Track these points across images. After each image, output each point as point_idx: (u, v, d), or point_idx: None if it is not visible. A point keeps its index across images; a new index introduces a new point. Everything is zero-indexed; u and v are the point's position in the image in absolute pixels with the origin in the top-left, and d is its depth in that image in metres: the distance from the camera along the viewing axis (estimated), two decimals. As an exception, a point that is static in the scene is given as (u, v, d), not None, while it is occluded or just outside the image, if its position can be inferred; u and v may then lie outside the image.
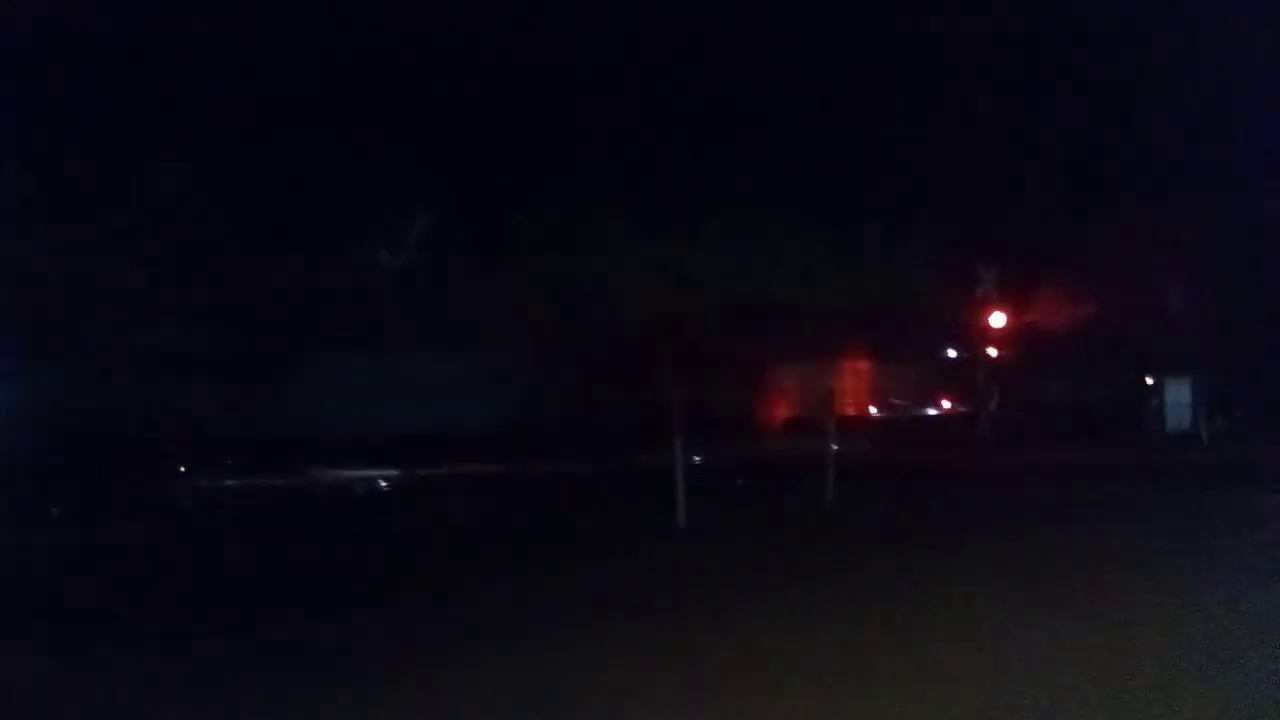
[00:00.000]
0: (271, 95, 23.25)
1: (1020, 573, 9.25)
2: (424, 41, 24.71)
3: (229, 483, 20.15)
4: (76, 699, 6.43)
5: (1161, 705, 5.33)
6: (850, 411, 32.07)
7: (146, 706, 6.20)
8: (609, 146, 27.53)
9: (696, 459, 19.44)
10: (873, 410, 35.54)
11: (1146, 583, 8.47)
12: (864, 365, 35.12)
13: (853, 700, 5.63)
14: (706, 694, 5.84)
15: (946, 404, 36.97)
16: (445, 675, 6.50)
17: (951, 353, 36.68)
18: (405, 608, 8.86)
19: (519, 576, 10.14)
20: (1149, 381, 30.86)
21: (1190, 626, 6.93)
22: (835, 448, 16.05)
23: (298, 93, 23.51)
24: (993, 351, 32.67)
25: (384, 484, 20.98)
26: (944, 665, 6.19)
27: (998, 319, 31.99)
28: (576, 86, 26.54)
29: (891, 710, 5.44)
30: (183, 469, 20.80)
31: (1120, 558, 9.82)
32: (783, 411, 31.27)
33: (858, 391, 34.85)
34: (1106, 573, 8.98)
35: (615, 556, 11.33)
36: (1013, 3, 28.78)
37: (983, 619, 7.38)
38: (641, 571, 10.38)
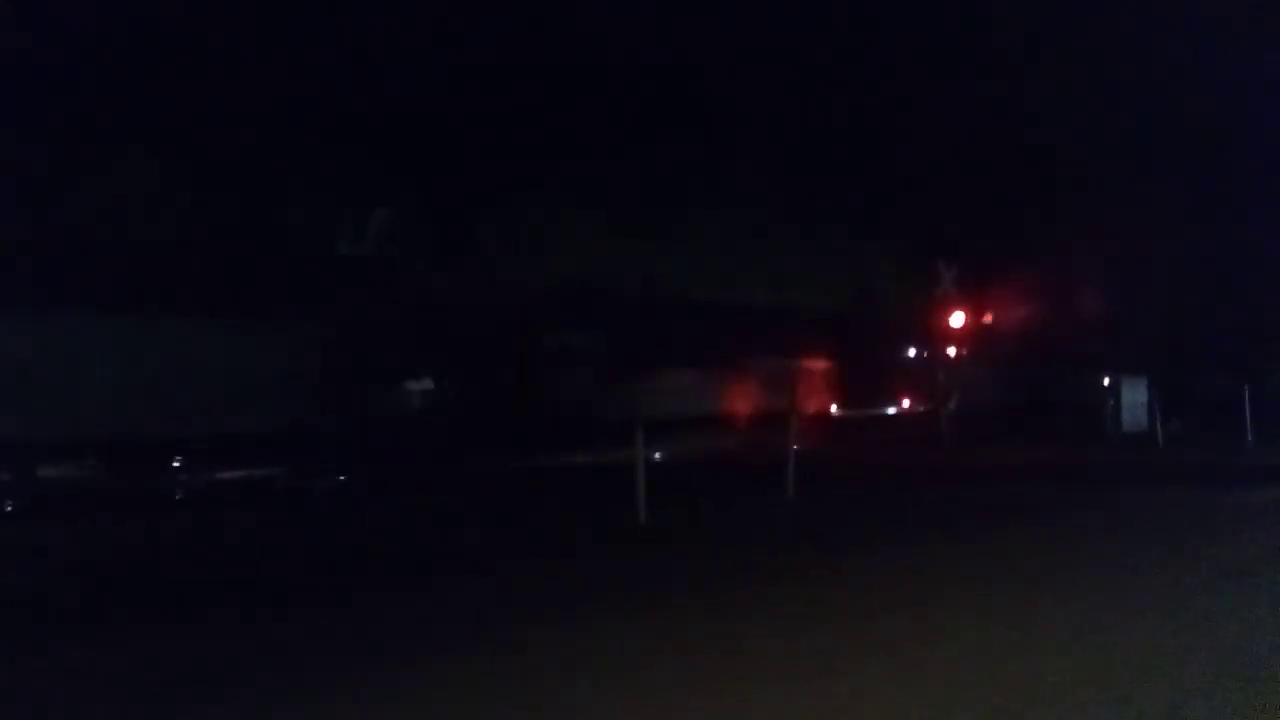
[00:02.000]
0: (236, 88, 22.88)
1: (974, 573, 9.28)
2: (390, 35, 24.46)
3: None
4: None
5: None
6: (811, 410, 32.15)
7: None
8: (572, 144, 27.40)
9: (657, 456, 19.43)
10: (834, 410, 35.65)
11: (1110, 579, 8.53)
12: (825, 364, 35.22)
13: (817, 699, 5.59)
14: (666, 698, 5.79)
15: (906, 403, 37.16)
16: (405, 676, 6.40)
17: (911, 352, 36.88)
18: (358, 608, 8.67)
19: (477, 577, 10.06)
20: (1106, 382, 31.09)
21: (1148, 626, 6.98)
22: (796, 446, 16.05)
23: (263, 86, 23.17)
24: (952, 351, 32.83)
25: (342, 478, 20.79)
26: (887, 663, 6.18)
27: (957, 318, 32.15)
28: (539, 84, 26.38)
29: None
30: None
31: (1085, 560, 9.86)
32: (744, 409, 31.27)
33: (818, 390, 34.92)
34: (1066, 571, 9.03)
35: (576, 556, 11.22)
36: (973, 4, 28.93)
37: (936, 618, 7.37)
38: (603, 572, 10.29)
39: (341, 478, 20.81)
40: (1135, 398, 29.84)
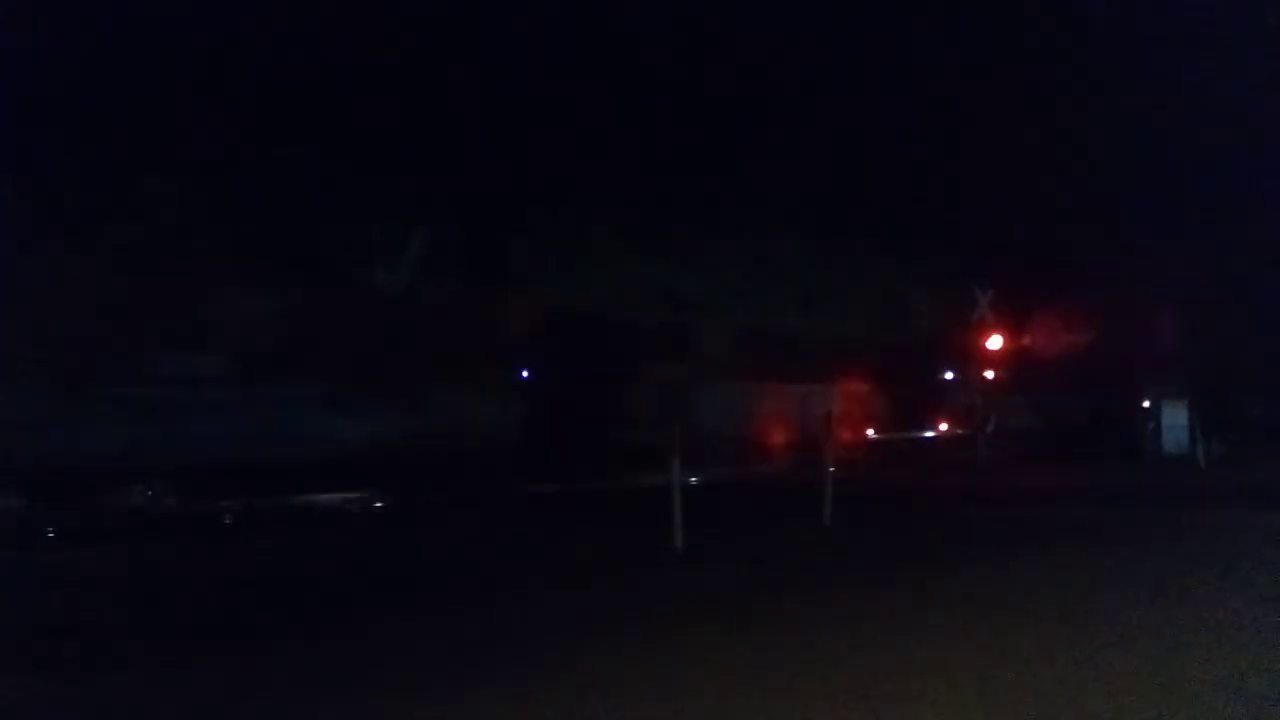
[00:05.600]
0: (265, 111, 23.11)
1: (1016, 600, 9.17)
2: (421, 57, 24.70)
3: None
4: None
5: None
6: (847, 434, 32.01)
7: None
8: (608, 168, 27.55)
9: (694, 480, 19.43)
10: (870, 433, 35.47)
11: (1155, 603, 8.41)
12: (861, 388, 35.05)
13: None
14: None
15: (943, 426, 36.91)
16: (437, 704, 6.40)
17: (948, 375, 36.67)
18: (383, 634, 8.64)
19: (511, 601, 10.06)
20: (1146, 404, 30.81)
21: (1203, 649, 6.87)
22: (832, 470, 15.98)
23: (292, 111, 23.41)
24: (989, 374, 32.63)
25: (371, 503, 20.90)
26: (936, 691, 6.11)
27: (994, 341, 31.97)
28: (573, 108, 26.56)
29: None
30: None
31: (1131, 583, 9.73)
32: (781, 433, 31.19)
33: (855, 414, 34.76)
34: (1107, 596, 8.90)
35: (608, 581, 11.18)
36: (1008, 27, 28.88)
37: (976, 646, 7.29)
38: (638, 596, 10.26)
39: (378, 504, 20.93)
40: (1176, 420, 29.56)
